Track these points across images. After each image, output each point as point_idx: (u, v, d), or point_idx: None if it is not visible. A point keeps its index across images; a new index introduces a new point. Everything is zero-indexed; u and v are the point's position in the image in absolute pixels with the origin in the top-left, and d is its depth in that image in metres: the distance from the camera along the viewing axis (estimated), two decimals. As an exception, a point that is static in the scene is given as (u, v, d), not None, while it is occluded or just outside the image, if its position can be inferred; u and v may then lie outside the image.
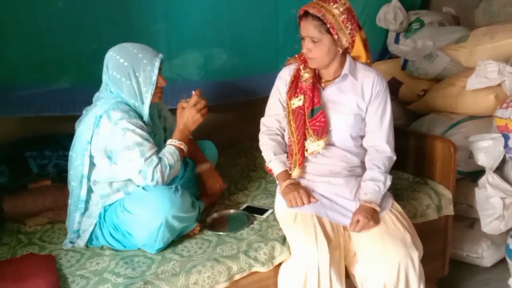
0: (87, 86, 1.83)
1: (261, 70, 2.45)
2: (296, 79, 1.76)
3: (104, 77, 1.68)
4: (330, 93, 1.75)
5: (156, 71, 1.64)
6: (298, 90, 1.74)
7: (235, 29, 2.40)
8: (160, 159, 1.61)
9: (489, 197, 1.94)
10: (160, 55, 1.66)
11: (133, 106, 1.66)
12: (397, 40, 2.71)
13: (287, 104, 1.76)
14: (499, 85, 2.08)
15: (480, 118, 2.23)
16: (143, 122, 1.66)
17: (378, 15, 2.69)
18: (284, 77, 1.81)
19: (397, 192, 1.99)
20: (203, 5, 2.29)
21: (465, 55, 2.24)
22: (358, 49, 1.82)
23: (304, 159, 1.74)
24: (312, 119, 1.70)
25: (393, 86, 2.63)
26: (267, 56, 2.49)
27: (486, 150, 1.95)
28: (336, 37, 1.62)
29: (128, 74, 1.62)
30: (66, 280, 1.50)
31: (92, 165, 1.63)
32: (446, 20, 2.70)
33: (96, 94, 1.73)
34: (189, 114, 1.70)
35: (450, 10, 2.80)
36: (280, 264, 1.64)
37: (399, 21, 2.64)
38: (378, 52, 2.85)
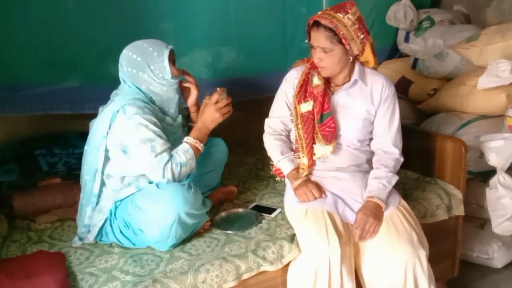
0: (96, 85, 1.84)
1: (269, 68, 2.44)
2: (305, 83, 1.75)
3: (120, 74, 1.71)
4: (339, 98, 1.75)
5: (166, 61, 1.66)
6: (307, 95, 1.73)
7: (243, 28, 2.39)
8: (171, 156, 1.62)
9: (500, 198, 1.92)
10: (170, 46, 1.69)
11: (156, 100, 1.67)
12: (407, 39, 2.69)
13: (295, 108, 1.75)
14: (511, 84, 2.06)
15: (491, 118, 2.20)
16: (163, 118, 1.67)
17: (388, 13, 2.67)
18: (292, 79, 1.80)
19: (406, 192, 1.97)
20: (211, 4, 2.28)
21: (476, 54, 2.21)
22: (367, 54, 1.82)
23: (313, 162, 1.74)
24: (321, 125, 1.71)
25: (403, 85, 2.61)
26: (275, 54, 2.48)
27: (498, 150, 1.93)
28: (348, 47, 1.62)
29: (143, 68, 1.65)
30: (75, 277, 1.51)
31: (107, 159, 1.65)
32: (457, 19, 2.67)
33: (114, 91, 1.75)
34: (209, 112, 1.71)
35: (461, 8, 2.78)
36: (288, 263, 1.63)
37: (409, 20, 2.62)
38: (388, 51, 2.82)
